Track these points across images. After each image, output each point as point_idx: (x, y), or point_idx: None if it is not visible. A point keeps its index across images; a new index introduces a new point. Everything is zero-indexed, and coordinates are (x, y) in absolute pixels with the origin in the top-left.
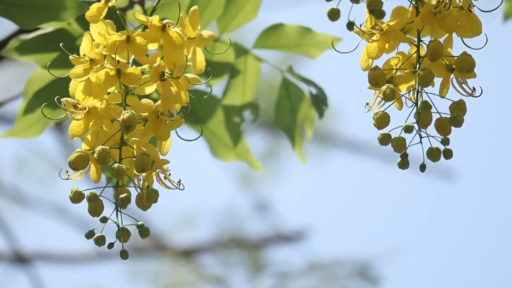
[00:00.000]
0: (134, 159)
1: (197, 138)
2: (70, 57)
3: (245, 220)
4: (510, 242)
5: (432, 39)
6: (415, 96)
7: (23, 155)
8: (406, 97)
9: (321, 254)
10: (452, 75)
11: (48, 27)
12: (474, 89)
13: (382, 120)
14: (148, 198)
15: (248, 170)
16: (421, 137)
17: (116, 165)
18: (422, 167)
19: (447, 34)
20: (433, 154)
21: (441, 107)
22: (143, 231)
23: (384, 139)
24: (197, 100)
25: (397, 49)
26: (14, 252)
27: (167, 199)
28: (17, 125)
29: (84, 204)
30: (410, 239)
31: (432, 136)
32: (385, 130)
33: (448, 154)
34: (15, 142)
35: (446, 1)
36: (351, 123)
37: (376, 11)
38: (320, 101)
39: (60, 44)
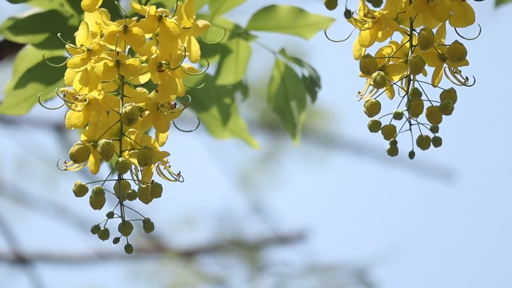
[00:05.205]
0: (136, 152)
1: (195, 129)
2: (67, 46)
3: (245, 221)
4: (509, 243)
5: (423, 27)
6: (407, 84)
7: (24, 155)
8: (398, 86)
9: (321, 255)
10: (444, 64)
11: (40, 8)
12: (467, 78)
13: (373, 108)
14: (152, 192)
15: (248, 171)
16: (410, 125)
17: (120, 159)
18: (411, 154)
19: (440, 23)
20: (422, 142)
21: (434, 98)
22: (148, 226)
23: (374, 126)
24: (193, 83)
25: (390, 38)
26: (14, 253)
27: (167, 199)
28: (6, 102)
29: (85, 203)
30: (409, 241)
31: (422, 124)
32: (375, 118)
33: (437, 141)
34: (16, 142)
35: None
36: (352, 124)
37: None
38: (313, 83)
39: (61, 37)
